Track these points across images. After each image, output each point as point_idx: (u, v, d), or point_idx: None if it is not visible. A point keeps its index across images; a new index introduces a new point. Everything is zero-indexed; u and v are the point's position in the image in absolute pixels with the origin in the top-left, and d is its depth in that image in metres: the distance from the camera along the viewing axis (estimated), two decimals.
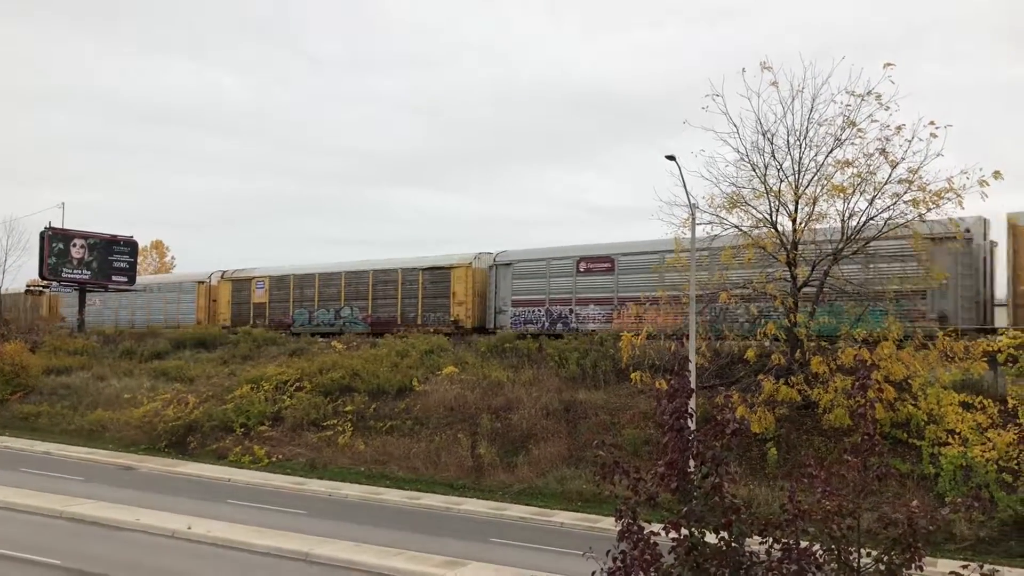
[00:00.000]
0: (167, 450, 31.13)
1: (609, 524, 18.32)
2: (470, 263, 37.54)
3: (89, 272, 48.34)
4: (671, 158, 22.93)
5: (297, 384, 32.52)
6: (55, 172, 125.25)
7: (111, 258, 49.28)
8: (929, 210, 22.73)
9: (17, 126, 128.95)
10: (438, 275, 38.25)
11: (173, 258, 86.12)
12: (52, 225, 47.90)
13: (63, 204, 54.09)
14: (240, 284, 46.94)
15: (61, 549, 17.51)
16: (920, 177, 22.68)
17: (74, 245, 47.89)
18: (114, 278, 49.62)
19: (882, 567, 6.01)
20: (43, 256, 46.79)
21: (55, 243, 47.10)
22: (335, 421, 29.97)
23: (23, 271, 58.97)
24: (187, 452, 30.81)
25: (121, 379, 38.49)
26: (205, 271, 51.09)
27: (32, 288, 57.94)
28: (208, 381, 35.77)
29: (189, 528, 19.42)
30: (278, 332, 42.11)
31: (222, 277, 48.46)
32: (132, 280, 50.56)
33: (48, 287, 52.58)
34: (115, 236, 50.14)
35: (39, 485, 24.34)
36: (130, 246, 50.79)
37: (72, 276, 47.92)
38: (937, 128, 22.17)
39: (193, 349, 42.09)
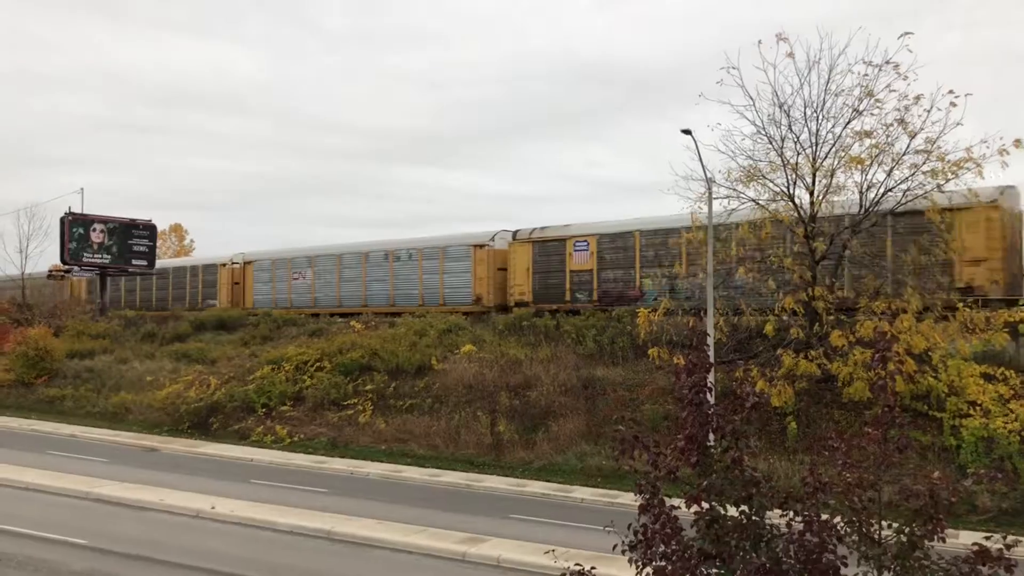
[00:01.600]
0: (190, 431, 31.48)
1: (629, 499, 18.40)
2: (994, 201, 24.28)
3: (109, 256, 48.71)
4: (687, 132, 22.80)
5: (317, 364, 32.74)
6: (71, 156, 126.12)
7: (130, 242, 49.61)
8: (948, 180, 22.50)
9: (33, 110, 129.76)
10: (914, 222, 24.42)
11: (192, 241, 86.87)
12: (72, 210, 48.27)
13: (82, 189, 54.78)
14: (548, 247, 34.77)
15: (88, 529, 17.79)
16: (939, 147, 22.45)
17: (94, 230, 48.24)
18: (134, 262, 49.97)
19: (903, 539, 6.00)
20: (64, 241, 47.20)
21: (75, 228, 47.47)
22: (355, 400, 30.19)
23: (45, 256, 59.32)
24: (210, 433, 31.14)
25: (143, 362, 38.91)
26: (483, 231, 38.17)
27: (54, 273, 58.49)
28: (229, 362, 36.08)
29: (213, 508, 19.65)
30: (610, 310, 31.64)
31: (515, 238, 36.14)
32: (152, 264, 50.89)
33: (70, 271, 53.04)
34: (134, 220, 50.45)
35: (65, 467, 24.71)
36: (149, 230, 51.08)
37: (93, 260, 48.30)
38: (956, 97, 21.91)
39: (214, 331, 42.42)
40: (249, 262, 47.36)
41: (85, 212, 49.22)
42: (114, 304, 52.21)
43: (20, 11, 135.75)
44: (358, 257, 41.63)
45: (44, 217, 56.24)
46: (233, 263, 48.79)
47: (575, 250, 33.94)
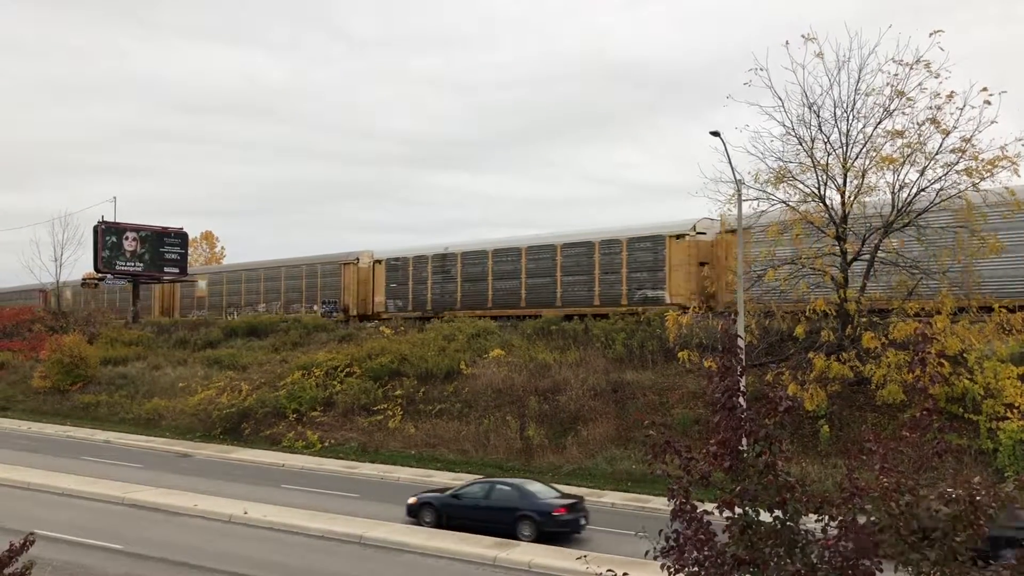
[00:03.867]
0: (222, 437, 31.74)
1: (660, 504, 18.26)
2: None
3: (142, 264, 49.38)
4: (716, 134, 22.69)
5: (347, 370, 32.88)
6: (104, 164, 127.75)
7: (162, 250, 50.29)
8: (983, 179, 22.18)
9: (67, 119, 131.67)
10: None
11: (223, 248, 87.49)
12: (105, 219, 48.94)
13: (115, 198, 55.42)
14: None
15: (123, 534, 18.00)
16: (973, 146, 22.14)
17: (126, 238, 48.91)
18: (166, 269, 50.63)
19: (943, 545, 5.89)
20: (97, 249, 47.90)
21: (108, 236, 48.15)
22: (385, 405, 30.29)
23: (79, 264, 60.25)
24: (241, 438, 31.38)
25: (176, 368, 39.32)
26: None
27: (88, 281, 59.32)
28: (260, 368, 36.33)
29: (245, 513, 19.80)
30: None
31: None
32: (184, 271, 51.53)
33: (103, 279, 53.86)
34: (166, 228, 51.11)
35: (101, 472, 25.02)
36: (180, 237, 51.73)
37: (126, 268, 48.97)
38: (990, 95, 21.64)
39: (244, 337, 42.74)
40: (733, 230, 27.74)
41: (118, 220, 49.89)
42: (417, 301, 39.97)
43: (54, 21, 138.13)
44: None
45: (78, 226, 57.06)
46: (698, 233, 31.57)
47: None
